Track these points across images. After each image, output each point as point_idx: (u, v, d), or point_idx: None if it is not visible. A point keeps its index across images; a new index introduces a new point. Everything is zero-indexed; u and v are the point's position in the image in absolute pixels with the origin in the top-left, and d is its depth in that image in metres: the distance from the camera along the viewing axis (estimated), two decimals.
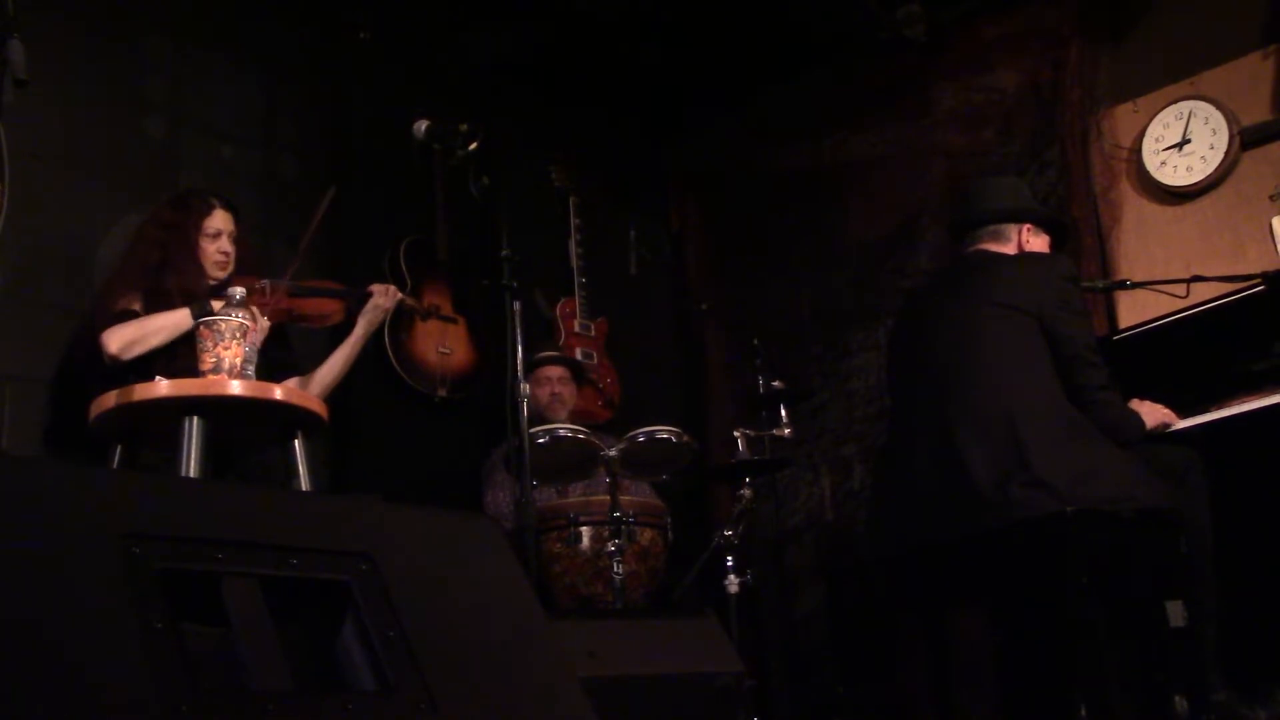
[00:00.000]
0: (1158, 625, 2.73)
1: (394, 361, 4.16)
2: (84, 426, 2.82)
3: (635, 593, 3.65)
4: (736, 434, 3.88)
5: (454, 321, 4.35)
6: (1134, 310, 4.03)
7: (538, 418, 4.16)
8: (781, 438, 4.01)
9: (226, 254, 3.26)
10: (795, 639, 4.64)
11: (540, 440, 3.46)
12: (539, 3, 4.61)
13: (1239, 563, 2.98)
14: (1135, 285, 3.71)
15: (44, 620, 1.28)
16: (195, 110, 3.96)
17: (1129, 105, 4.32)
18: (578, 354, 4.74)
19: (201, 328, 2.76)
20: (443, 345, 4.31)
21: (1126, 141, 4.30)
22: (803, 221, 5.21)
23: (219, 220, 3.27)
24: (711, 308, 5.26)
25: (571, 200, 5.01)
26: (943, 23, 4.68)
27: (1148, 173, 4.19)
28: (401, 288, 4.18)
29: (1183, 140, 4.09)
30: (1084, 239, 4.25)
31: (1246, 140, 3.98)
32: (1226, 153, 3.98)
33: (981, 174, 4.46)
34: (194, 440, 2.68)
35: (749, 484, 3.86)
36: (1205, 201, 4.07)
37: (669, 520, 3.86)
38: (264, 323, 2.98)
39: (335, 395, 3.44)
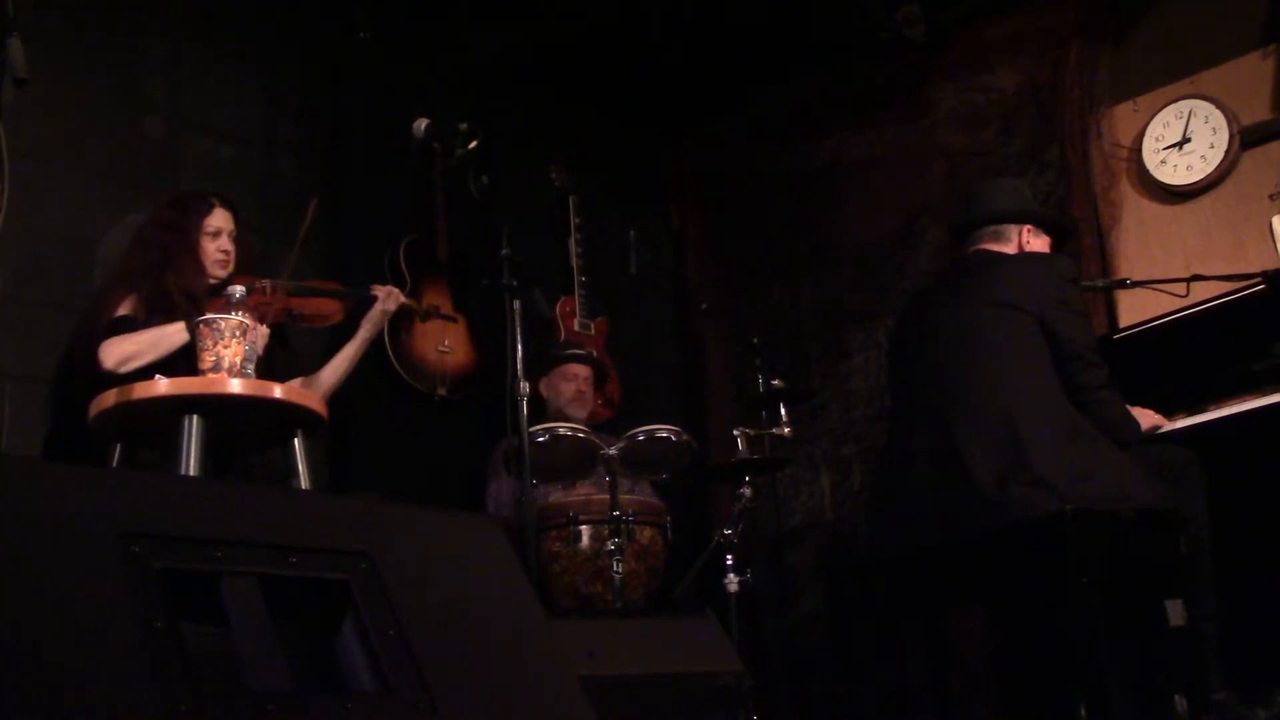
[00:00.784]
0: (1157, 625, 2.72)
1: (394, 360, 4.16)
2: (83, 426, 2.82)
3: (635, 592, 3.65)
4: (736, 433, 3.88)
5: (454, 321, 4.35)
6: (1134, 309, 4.03)
7: (557, 413, 4.18)
8: (781, 437, 4.01)
9: (227, 253, 3.26)
10: (795, 638, 4.63)
11: (540, 439, 3.46)
12: (539, 2, 4.61)
13: (1239, 562, 2.98)
14: (1135, 284, 3.72)
15: (44, 619, 1.28)
16: (195, 110, 3.95)
17: (1129, 104, 4.32)
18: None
19: (201, 326, 2.76)
20: (443, 344, 4.31)
21: (1126, 141, 4.30)
22: (803, 221, 5.21)
23: (219, 219, 3.27)
24: (711, 307, 5.26)
25: (571, 199, 5.00)
26: (942, 23, 4.68)
27: (1148, 172, 4.19)
28: (401, 287, 4.18)
29: (1183, 139, 4.09)
30: (1084, 238, 4.24)
31: (1246, 139, 3.98)
32: (1227, 152, 3.98)
33: (981, 174, 4.47)
34: (193, 439, 2.68)
35: (749, 483, 3.86)
36: (1205, 201, 4.07)
37: (669, 519, 3.86)
38: (263, 329, 2.98)
39: (335, 394, 3.44)
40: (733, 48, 4.98)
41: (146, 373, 2.90)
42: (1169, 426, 3.20)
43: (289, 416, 2.91)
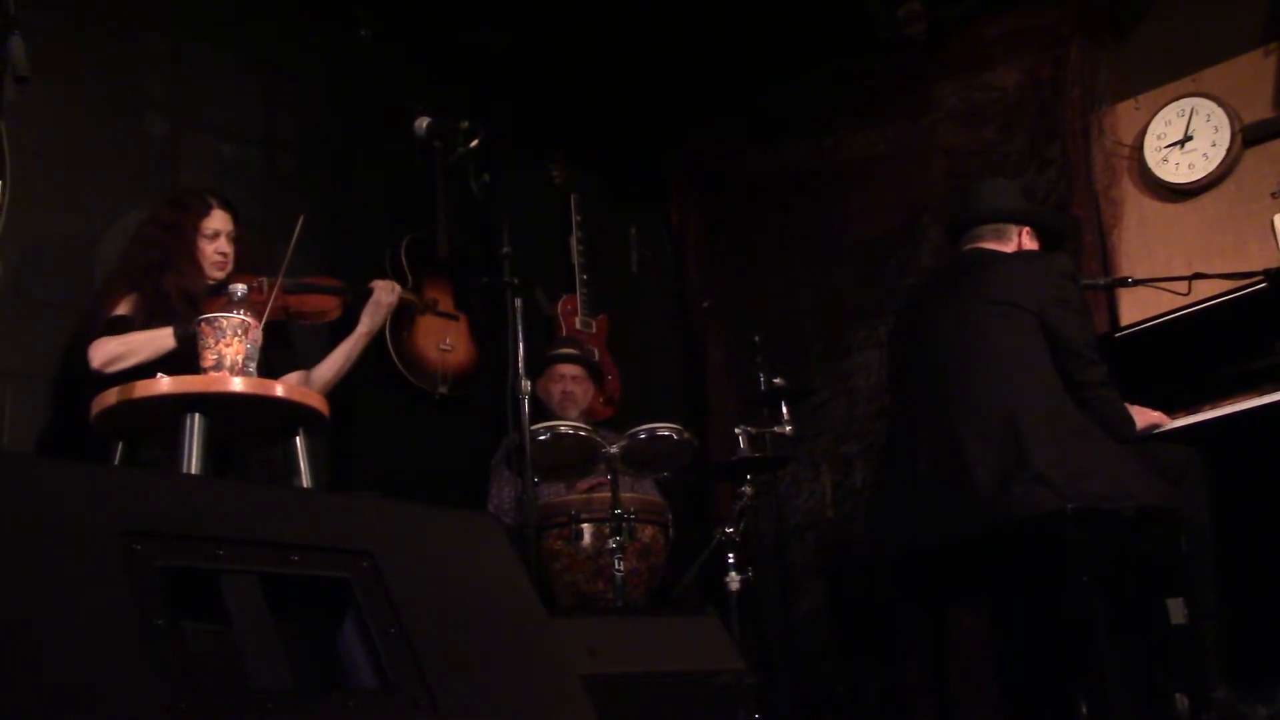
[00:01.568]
0: (1158, 623, 2.73)
1: (395, 358, 4.16)
2: (81, 424, 2.82)
3: (636, 590, 3.65)
4: (737, 431, 3.88)
5: (455, 319, 4.35)
6: (1135, 308, 4.03)
7: (549, 415, 4.17)
8: (782, 435, 4.01)
9: (225, 254, 3.26)
10: (796, 637, 4.64)
11: (541, 437, 3.46)
12: (540, 1, 4.61)
13: (1240, 561, 2.98)
14: (1137, 283, 3.71)
15: (44, 617, 1.28)
16: (196, 108, 3.96)
17: (1130, 103, 4.32)
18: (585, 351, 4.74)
19: (203, 324, 2.76)
20: (443, 342, 4.31)
21: (1128, 139, 4.29)
22: (803, 219, 5.21)
23: (217, 220, 3.27)
24: (712, 305, 5.26)
25: (572, 198, 5.01)
26: (943, 21, 4.68)
27: (1149, 170, 4.19)
28: (403, 285, 4.19)
29: (1184, 137, 4.09)
30: (1085, 237, 4.24)
31: (1248, 137, 3.98)
32: (1228, 150, 3.98)
33: (982, 172, 4.46)
34: (195, 437, 2.68)
35: (750, 482, 3.86)
36: (1207, 199, 4.07)
37: (670, 518, 3.86)
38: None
39: (336, 392, 3.44)
40: (733, 46, 4.98)
41: (147, 371, 2.91)
42: (1170, 425, 3.20)
43: (290, 415, 2.91)
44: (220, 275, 3.25)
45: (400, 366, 4.18)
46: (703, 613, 2.98)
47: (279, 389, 2.83)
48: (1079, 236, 4.22)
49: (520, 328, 3.17)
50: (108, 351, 3.01)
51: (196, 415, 2.69)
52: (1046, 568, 2.71)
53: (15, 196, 2.44)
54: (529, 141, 4.93)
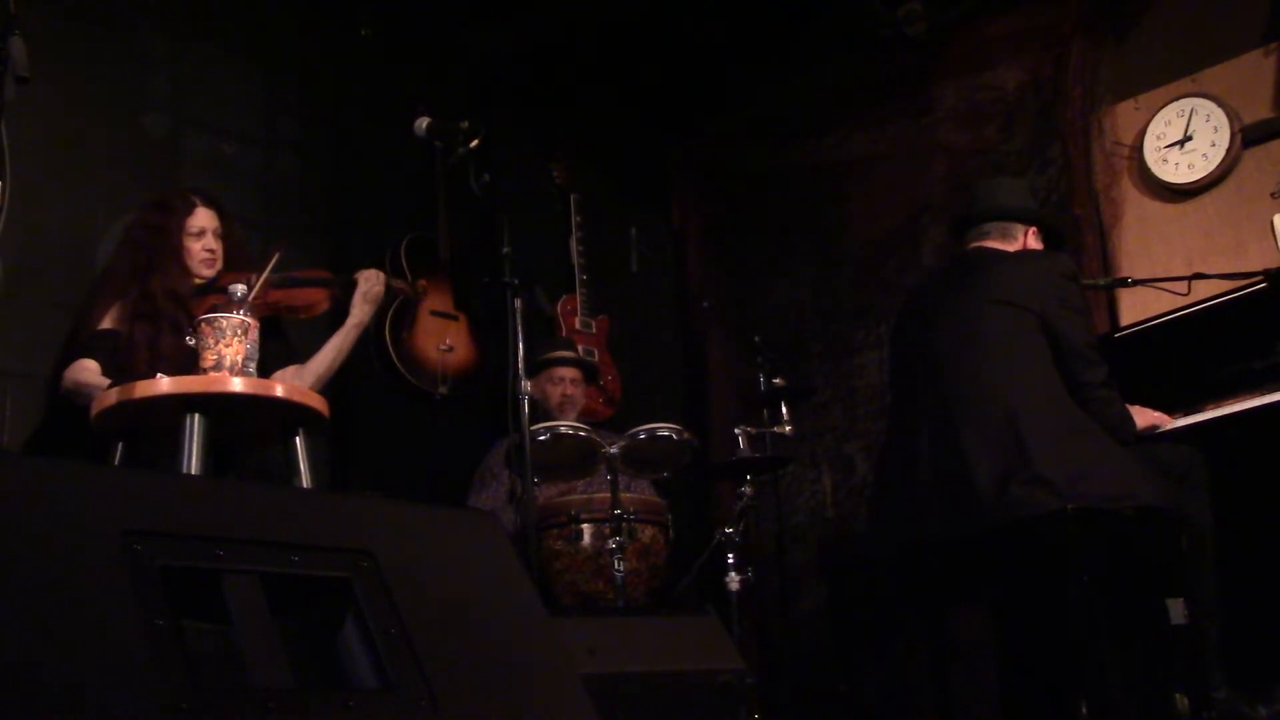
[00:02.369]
0: (1159, 623, 2.72)
1: (395, 359, 4.17)
2: (72, 428, 2.82)
3: (636, 590, 3.65)
4: (738, 431, 3.88)
5: (455, 319, 4.35)
6: (1135, 308, 4.03)
7: (546, 418, 4.17)
8: (783, 435, 4.01)
9: (212, 251, 3.26)
10: (797, 637, 4.63)
11: (541, 437, 3.46)
12: (540, 1, 4.61)
13: (1240, 560, 2.98)
14: (1136, 283, 3.71)
15: (45, 617, 1.28)
16: (196, 107, 3.96)
17: (1130, 103, 4.32)
18: (579, 351, 4.74)
19: (203, 325, 2.76)
20: (444, 343, 4.31)
21: (1128, 139, 4.29)
22: (804, 219, 5.21)
23: (202, 218, 3.26)
24: (713, 305, 5.25)
25: (572, 198, 5.00)
26: (944, 21, 4.68)
27: (1149, 170, 4.19)
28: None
29: (1184, 138, 4.09)
30: (1085, 237, 4.24)
31: (1248, 137, 3.98)
32: (1228, 150, 3.98)
33: (983, 172, 4.46)
34: (195, 437, 2.68)
35: (750, 482, 3.86)
36: (1207, 199, 4.07)
37: (670, 518, 3.86)
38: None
39: (336, 393, 3.43)
40: (734, 45, 4.98)
41: (147, 371, 2.92)
42: (1170, 425, 3.20)
43: (290, 415, 2.91)
44: (209, 273, 3.24)
45: (400, 367, 4.18)
46: (703, 612, 2.98)
47: (279, 389, 2.83)
48: (1079, 236, 4.22)
49: (520, 328, 3.17)
50: (75, 381, 3.03)
51: (196, 415, 2.69)
52: (1047, 568, 2.71)
53: (15, 196, 2.44)
54: (529, 141, 4.93)
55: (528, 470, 3.06)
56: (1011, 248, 3.15)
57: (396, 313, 4.15)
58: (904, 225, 4.86)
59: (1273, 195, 3.89)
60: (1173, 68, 4.21)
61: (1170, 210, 4.16)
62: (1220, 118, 4.00)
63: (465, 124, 3.18)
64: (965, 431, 2.84)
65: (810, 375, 4.95)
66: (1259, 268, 3.42)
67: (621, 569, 3.47)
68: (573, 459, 3.70)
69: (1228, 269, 3.54)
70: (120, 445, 2.87)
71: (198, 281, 3.23)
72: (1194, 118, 4.07)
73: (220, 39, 4.05)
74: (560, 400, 4.30)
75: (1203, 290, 3.52)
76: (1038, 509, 2.67)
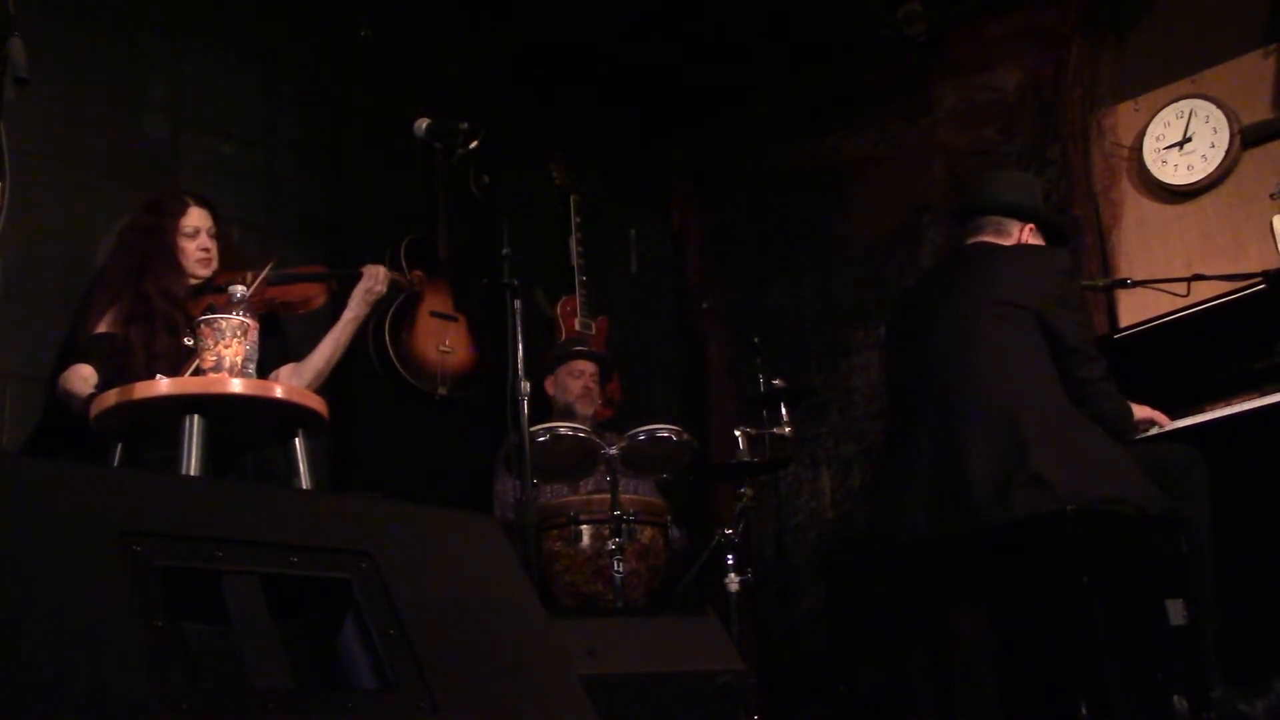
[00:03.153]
0: (1158, 624, 2.72)
1: (394, 360, 4.17)
2: (82, 425, 2.82)
3: (636, 591, 3.66)
4: (737, 433, 3.88)
5: (454, 320, 4.35)
6: (1134, 309, 4.03)
7: (564, 410, 4.20)
8: (782, 436, 4.01)
9: (207, 250, 3.26)
10: (796, 637, 4.64)
11: (541, 438, 3.47)
12: (539, 2, 4.61)
13: (1239, 561, 2.98)
14: (1136, 284, 3.71)
15: (45, 617, 1.28)
16: (195, 108, 3.96)
17: (1130, 104, 4.32)
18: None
19: (202, 326, 2.76)
20: (443, 344, 4.31)
21: (1127, 140, 4.29)
22: (803, 220, 5.21)
23: (195, 218, 3.27)
24: (712, 306, 5.26)
25: (572, 199, 5.00)
26: (944, 21, 4.68)
27: (1148, 171, 4.19)
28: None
29: (1183, 139, 4.09)
30: (1084, 237, 4.25)
31: (1247, 139, 3.98)
32: (1227, 151, 3.98)
33: (982, 173, 4.46)
34: (195, 438, 2.67)
35: (750, 482, 3.86)
36: (1206, 200, 4.07)
37: (669, 518, 3.86)
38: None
39: (335, 393, 3.44)
40: (734, 46, 4.98)
41: (144, 373, 2.92)
42: (1169, 425, 3.20)
43: (290, 416, 2.91)
44: (205, 273, 3.25)
45: (400, 368, 4.18)
46: (702, 613, 2.98)
47: (278, 390, 2.83)
48: (1078, 237, 4.22)
49: (520, 329, 3.17)
50: (69, 386, 3.02)
51: (196, 416, 2.69)
52: (1046, 568, 2.71)
53: (15, 197, 2.44)
54: (529, 142, 4.93)
55: (527, 471, 3.06)
56: (1007, 243, 3.14)
57: (396, 313, 4.15)
58: (903, 226, 4.86)
59: (1272, 196, 3.89)
60: (1172, 69, 4.22)
61: (1169, 211, 4.17)
62: (1219, 119, 4.01)
63: (465, 125, 3.18)
64: (964, 431, 2.84)
65: (810, 376, 4.95)
66: (1258, 269, 3.42)
67: (621, 570, 3.48)
68: (572, 460, 3.70)
69: (1227, 270, 3.54)
70: (119, 446, 2.87)
71: (193, 281, 3.23)
72: (1193, 119, 4.07)
73: (220, 40, 4.05)
74: (581, 392, 4.32)
75: (1202, 291, 3.52)
76: (1037, 510, 2.67)
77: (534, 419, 3.29)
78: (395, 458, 4.23)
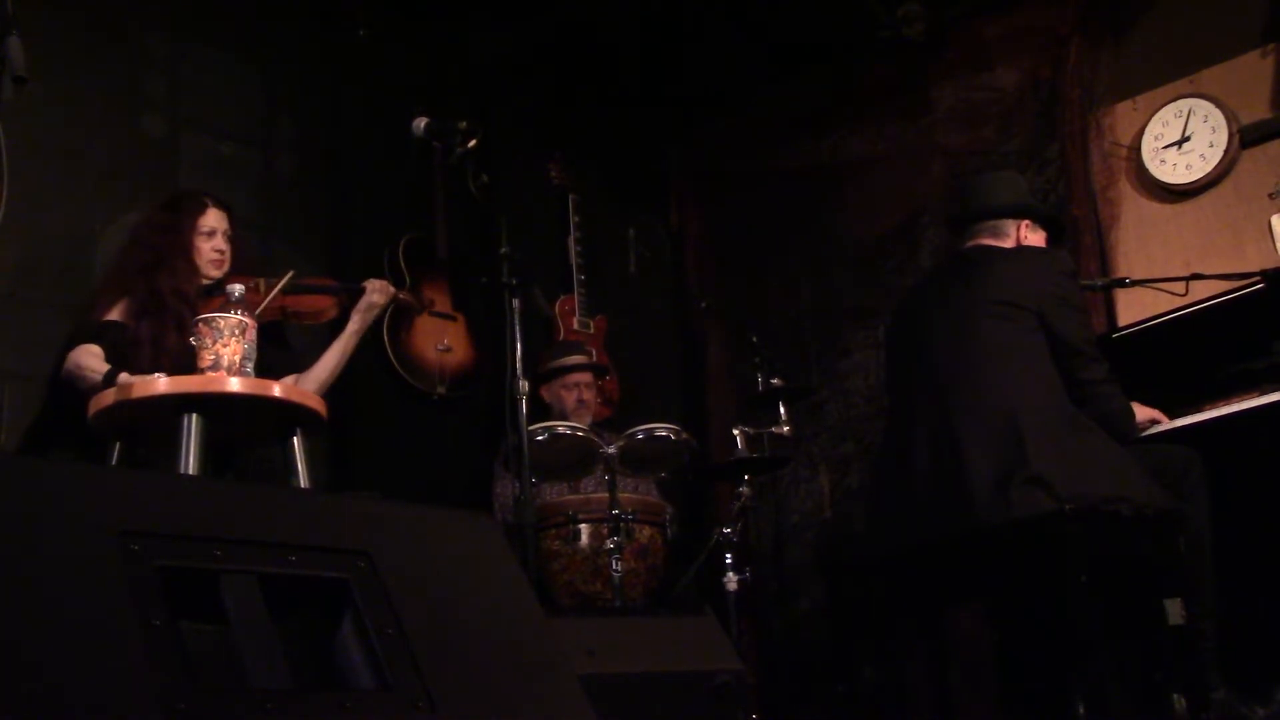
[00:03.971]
0: (1156, 624, 2.73)
1: (393, 359, 4.16)
2: (81, 424, 2.82)
3: (634, 591, 3.66)
4: (735, 432, 3.88)
5: (453, 319, 4.35)
6: (1133, 308, 4.03)
7: (560, 419, 4.17)
8: (781, 436, 4.01)
9: (221, 252, 3.27)
10: (794, 637, 4.64)
11: (540, 437, 3.47)
12: (538, 1, 4.61)
13: (1238, 561, 2.98)
14: (1134, 283, 3.72)
15: (43, 617, 1.28)
16: (194, 108, 3.95)
17: (1129, 103, 4.32)
18: (590, 355, 4.74)
19: (200, 325, 2.76)
20: (441, 343, 4.31)
21: (1126, 139, 4.30)
22: (802, 220, 5.21)
23: (212, 219, 3.28)
24: (711, 306, 5.26)
25: (571, 198, 5.00)
26: (942, 22, 4.68)
27: (1147, 171, 4.19)
28: (401, 285, 4.18)
29: (1182, 138, 4.09)
30: (1083, 237, 4.25)
31: (1246, 138, 3.98)
32: (1226, 151, 3.98)
33: (981, 172, 4.46)
34: (193, 437, 2.68)
35: (748, 482, 3.86)
36: (1205, 199, 4.07)
37: (668, 518, 3.86)
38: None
39: (334, 393, 3.44)
40: (733, 46, 4.98)
41: (150, 368, 2.92)
42: (1168, 424, 3.20)
43: (288, 415, 2.91)
44: (217, 274, 3.25)
45: (398, 367, 4.18)
46: (701, 613, 2.98)
47: (276, 389, 2.83)
48: (1077, 236, 4.22)
49: (518, 328, 3.17)
50: (77, 363, 3.02)
51: (194, 415, 2.69)
52: (1045, 568, 2.71)
53: (14, 197, 2.44)
54: (528, 142, 4.93)
55: (525, 470, 3.06)
56: (1006, 244, 3.15)
57: (394, 313, 4.15)
58: (902, 226, 4.86)
59: (1270, 196, 3.89)
60: (1171, 68, 4.22)
61: (1168, 211, 4.17)
62: (1218, 118, 4.01)
63: (463, 124, 3.18)
64: (963, 431, 2.85)
65: (808, 376, 4.94)
66: (1257, 268, 3.42)
67: (619, 569, 3.48)
68: (571, 459, 3.70)
69: (1225, 269, 3.55)
70: (118, 445, 2.87)
71: (205, 282, 3.23)
72: (1192, 118, 4.07)
73: (218, 40, 4.05)
74: (575, 405, 4.31)
75: (1200, 291, 3.52)
76: (1036, 509, 2.67)
77: (533, 418, 3.29)
78: (394, 457, 4.23)
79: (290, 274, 3.28)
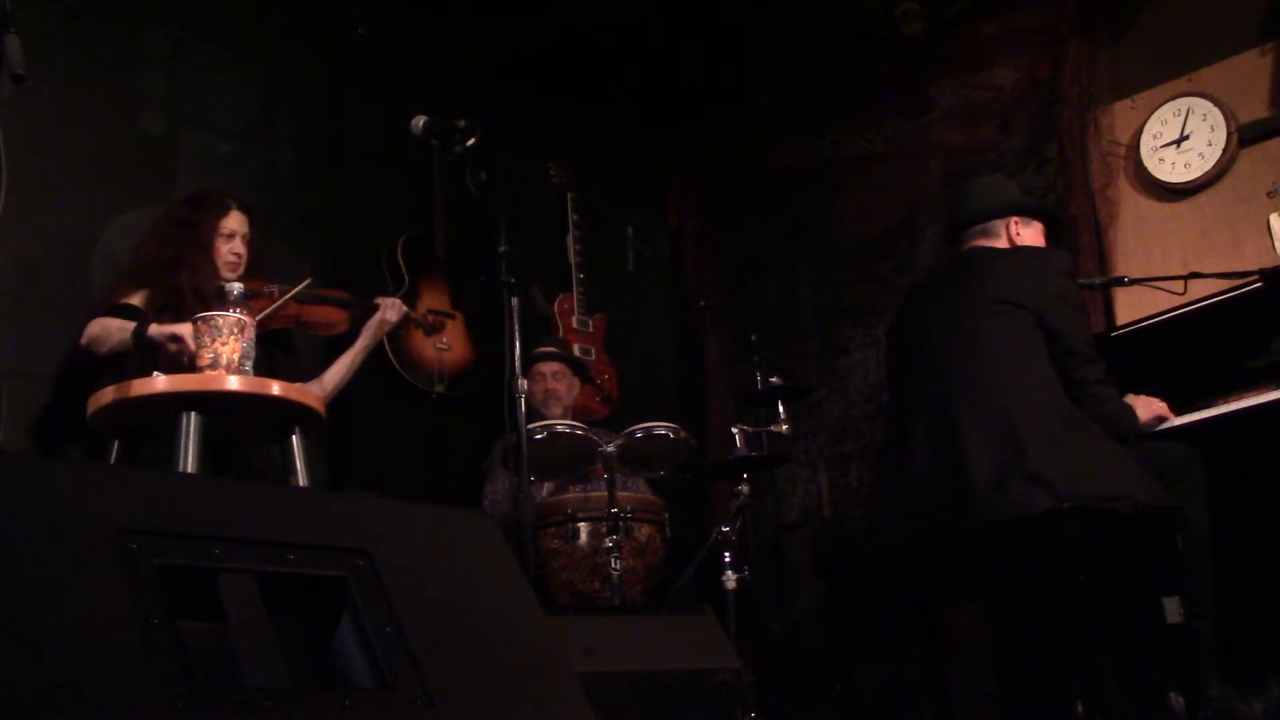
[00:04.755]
0: (1154, 621, 2.73)
1: (391, 357, 4.16)
2: (82, 423, 2.82)
3: (633, 589, 3.66)
4: (734, 430, 3.88)
5: (452, 318, 4.35)
6: (1131, 307, 4.03)
7: (534, 414, 4.17)
8: (779, 434, 4.01)
9: (239, 255, 3.28)
10: (793, 635, 4.64)
11: (538, 436, 3.46)
12: (538, 0, 4.61)
13: (1236, 559, 2.99)
14: (1133, 282, 3.72)
15: (41, 615, 1.28)
16: (193, 106, 3.95)
17: (1127, 102, 4.32)
18: (575, 350, 4.74)
19: (199, 324, 2.76)
20: (440, 341, 4.31)
21: (1124, 138, 4.29)
22: (801, 218, 5.21)
23: (234, 221, 3.28)
24: (710, 304, 5.26)
25: (569, 196, 5.00)
26: (941, 20, 4.68)
27: (1145, 169, 4.19)
28: (399, 284, 4.19)
29: (1180, 137, 4.09)
30: (1082, 236, 4.25)
31: (1244, 137, 3.97)
32: (1224, 149, 3.98)
33: (979, 171, 4.46)
34: (191, 436, 2.68)
35: (747, 480, 3.86)
36: (1203, 198, 4.07)
37: (667, 516, 3.87)
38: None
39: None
40: (732, 44, 4.98)
41: (144, 370, 2.91)
42: (1171, 421, 3.20)
43: (286, 414, 2.91)
44: (232, 276, 3.25)
45: (397, 365, 4.18)
46: (699, 611, 2.99)
47: (275, 387, 2.83)
48: (1075, 235, 4.22)
49: (517, 327, 3.17)
50: (92, 331, 3.06)
51: (192, 414, 2.69)
52: (1043, 566, 2.72)
53: (12, 195, 2.44)
54: (526, 140, 4.93)
55: (524, 469, 3.06)
56: (999, 243, 3.16)
57: None
58: (901, 224, 4.86)
59: (1269, 194, 3.89)
60: (1169, 67, 4.21)
61: (1166, 209, 4.16)
62: (1217, 117, 4.01)
63: (462, 123, 3.18)
64: (962, 429, 2.85)
65: (807, 374, 4.95)
66: (1255, 267, 3.42)
67: (618, 568, 3.48)
68: (570, 458, 3.70)
69: (1224, 268, 3.55)
70: (116, 444, 2.87)
71: (221, 283, 3.23)
72: (1190, 117, 4.07)
73: (218, 38, 4.05)
74: (543, 396, 4.30)
75: (1199, 289, 3.52)
76: (1034, 507, 2.68)
77: (530, 417, 3.30)
78: (392, 455, 4.23)
79: (308, 280, 3.28)
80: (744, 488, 3.85)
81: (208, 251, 3.23)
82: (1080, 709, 2.68)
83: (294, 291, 3.24)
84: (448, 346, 4.33)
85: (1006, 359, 2.91)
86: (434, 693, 1.53)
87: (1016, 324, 2.92)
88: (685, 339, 5.54)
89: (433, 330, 4.03)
